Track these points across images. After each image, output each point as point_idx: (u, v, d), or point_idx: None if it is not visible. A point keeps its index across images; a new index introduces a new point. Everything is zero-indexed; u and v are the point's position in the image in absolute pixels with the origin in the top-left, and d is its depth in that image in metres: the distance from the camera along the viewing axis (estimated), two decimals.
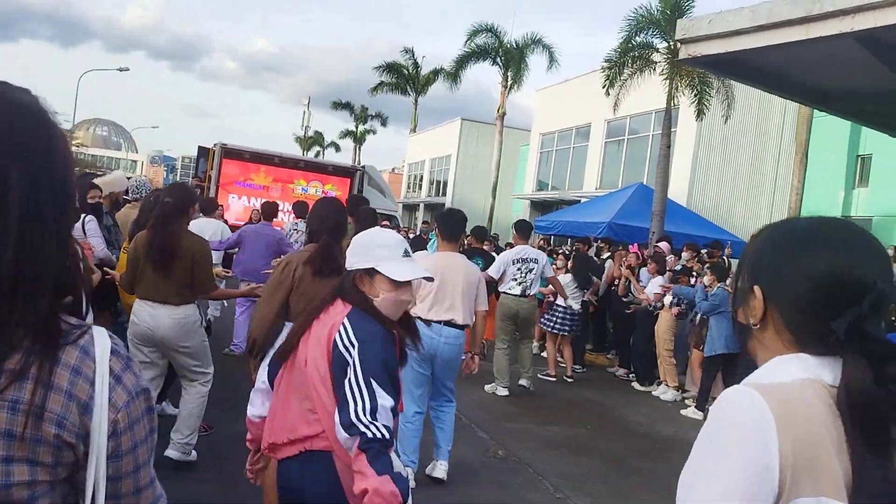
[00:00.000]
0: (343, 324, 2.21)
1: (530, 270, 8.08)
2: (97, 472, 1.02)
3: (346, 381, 2.10)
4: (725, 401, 1.06)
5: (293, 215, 9.55)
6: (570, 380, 9.23)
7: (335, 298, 2.35)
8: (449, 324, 4.93)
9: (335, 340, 2.19)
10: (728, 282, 8.46)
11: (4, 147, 0.97)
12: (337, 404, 2.12)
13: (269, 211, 8.39)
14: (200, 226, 7.15)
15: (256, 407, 2.51)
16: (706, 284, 8.34)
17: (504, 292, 8.15)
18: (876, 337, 1.05)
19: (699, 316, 8.49)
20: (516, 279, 8.05)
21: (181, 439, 4.49)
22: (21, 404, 0.95)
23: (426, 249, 9.32)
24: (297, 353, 2.31)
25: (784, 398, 1.02)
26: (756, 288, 1.16)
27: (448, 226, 5.16)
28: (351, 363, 2.12)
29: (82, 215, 5.15)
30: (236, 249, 7.98)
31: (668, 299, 8.99)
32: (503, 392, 7.99)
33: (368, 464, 1.96)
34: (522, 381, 8.28)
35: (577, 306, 9.27)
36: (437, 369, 4.97)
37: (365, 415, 2.03)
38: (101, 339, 1.04)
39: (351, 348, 2.15)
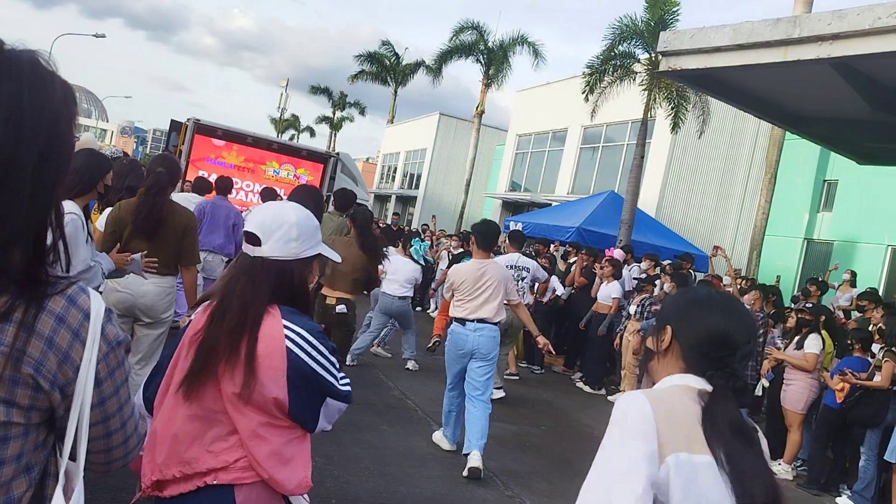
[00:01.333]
0: (284, 323, 1.88)
1: (522, 278, 8.11)
2: (80, 420, 1.07)
3: (319, 371, 1.90)
4: (626, 402, 1.56)
5: (261, 199, 9.41)
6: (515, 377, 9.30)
7: (264, 302, 1.91)
8: (482, 321, 5.57)
9: (289, 349, 1.85)
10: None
11: None
12: (324, 395, 1.92)
13: (224, 186, 8.23)
14: (186, 200, 7.20)
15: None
16: (666, 291, 8.48)
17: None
18: (740, 376, 1.60)
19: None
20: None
21: None
22: (2, 346, 0.99)
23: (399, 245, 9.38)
24: (207, 374, 1.86)
25: (658, 396, 1.57)
26: (668, 327, 1.68)
27: (485, 238, 5.83)
28: (309, 357, 1.88)
29: None
30: None
31: (633, 308, 9.11)
32: (499, 395, 7.79)
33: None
34: (496, 395, 7.82)
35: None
36: (473, 363, 5.57)
37: (338, 373, 1.98)
38: (96, 299, 1.09)
39: (304, 344, 1.88)
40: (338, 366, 1.97)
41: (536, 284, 9.09)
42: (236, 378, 1.82)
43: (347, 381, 2.02)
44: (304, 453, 1.92)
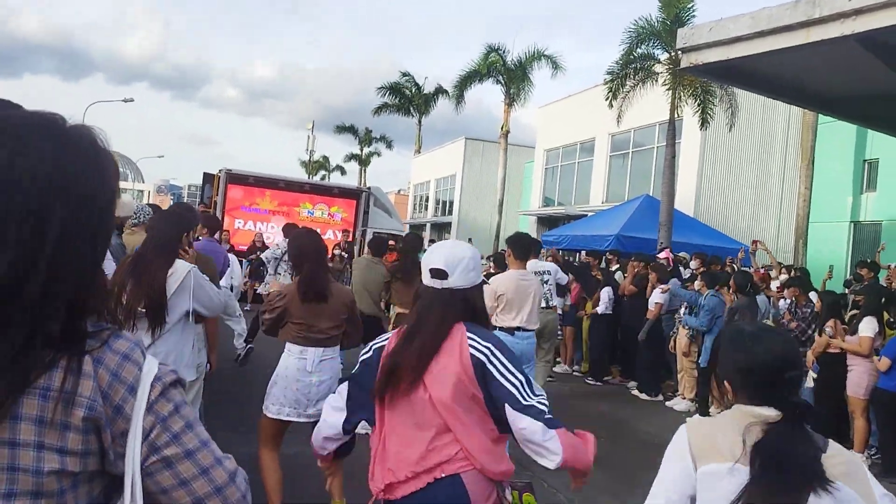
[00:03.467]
0: (468, 335, 2.22)
1: (545, 281, 8.23)
2: (133, 473, 1.06)
3: (497, 377, 2.16)
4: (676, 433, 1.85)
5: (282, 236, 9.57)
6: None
7: (454, 323, 2.25)
8: (527, 330, 6.01)
9: (471, 353, 2.18)
10: (719, 288, 8.45)
11: (51, 180, 1.02)
12: (500, 400, 2.15)
13: (213, 226, 8.33)
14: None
15: (333, 424, 2.40)
16: (696, 289, 8.40)
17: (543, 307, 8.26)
18: (797, 399, 1.78)
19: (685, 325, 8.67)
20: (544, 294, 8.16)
21: None
22: (51, 391, 1.00)
23: None
24: (414, 386, 2.19)
25: (702, 421, 1.89)
26: (725, 382, 1.88)
27: (520, 247, 6.18)
28: (489, 363, 2.17)
29: None
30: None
31: (682, 311, 8.97)
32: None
33: (556, 434, 2.12)
34: None
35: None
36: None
37: (532, 393, 2.17)
38: (137, 345, 1.11)
39: (487, 352, 2.19)
40: (524, 379, 2.19)
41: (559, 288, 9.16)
42: (437, 386, 2.16)
43: (544, 402, 2.18)
44: (503, 448, 2.26)
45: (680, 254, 11.80)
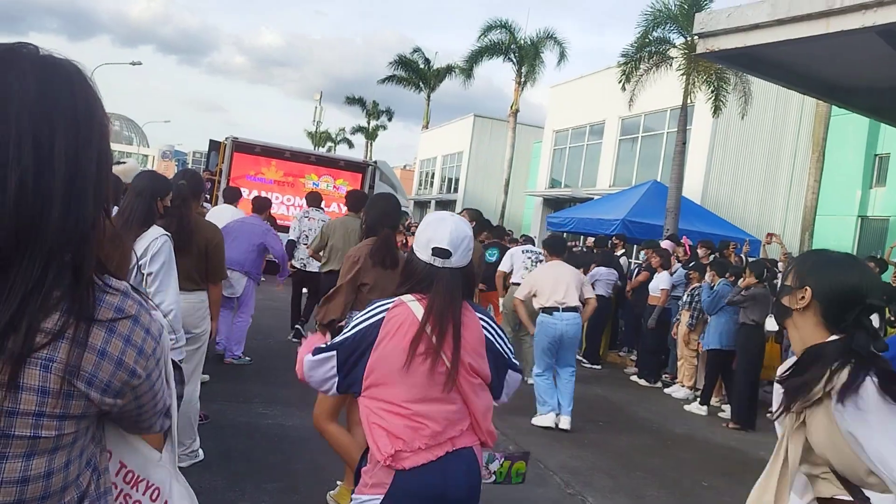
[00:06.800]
0: (483, 321, 2.35)
1: (539, 260, 8.39)
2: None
3: (498, 346, 2.35)
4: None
5: (306, 205, 9.40)
6: None
7: (463, 300, 2.33)
8: (567, 308, 6.63)
9: (488, 338, 2.33)
10: (732, 277, 8.40)
11: (51, 114, 1.01)
12: (505, 366, 2.39)
13: (261, 206, 8.15)
14: (220, 213, 7.47)
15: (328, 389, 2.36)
16: (708, 281, 8.32)
17: (514, 283, 8.25)
18: (868, 324, 1.88)
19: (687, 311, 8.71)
20: (527, 267, 8.35)
21: (185, 450, 4.33)
22: (54, 363, 0.99)
23: None
24: (441, 362, 2.21)
25: None
26: (807, 287, 1.91)
27: (555, 246, 7.23)
28: (490, 334, 2.34)
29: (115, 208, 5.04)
30: None
31: (684, 298, 8.95)
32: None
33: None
34: (530, 380, 8.15)
35: None
36: (563, 345, 6.74)
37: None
38: (145, 304, 1.11)
39: (487, 325, 2.35)
40: (510, 344, 2.45)
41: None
42: (462, 359, 2.23)
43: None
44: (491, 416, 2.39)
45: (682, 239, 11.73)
